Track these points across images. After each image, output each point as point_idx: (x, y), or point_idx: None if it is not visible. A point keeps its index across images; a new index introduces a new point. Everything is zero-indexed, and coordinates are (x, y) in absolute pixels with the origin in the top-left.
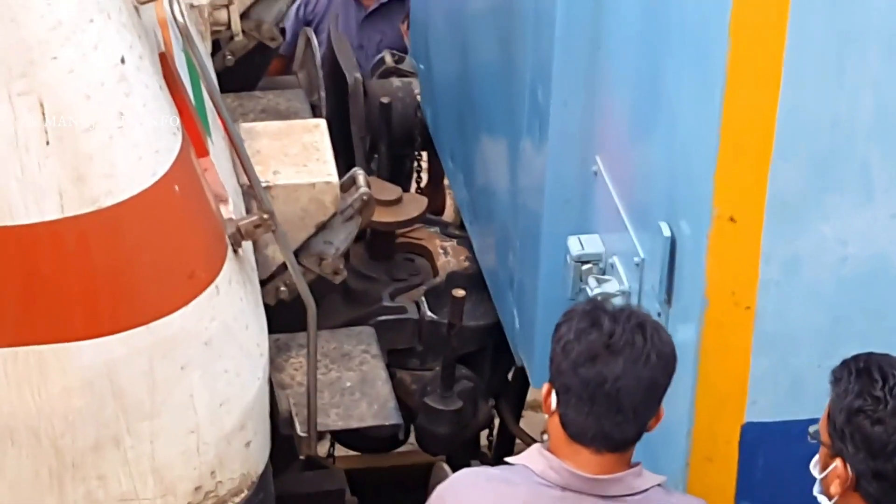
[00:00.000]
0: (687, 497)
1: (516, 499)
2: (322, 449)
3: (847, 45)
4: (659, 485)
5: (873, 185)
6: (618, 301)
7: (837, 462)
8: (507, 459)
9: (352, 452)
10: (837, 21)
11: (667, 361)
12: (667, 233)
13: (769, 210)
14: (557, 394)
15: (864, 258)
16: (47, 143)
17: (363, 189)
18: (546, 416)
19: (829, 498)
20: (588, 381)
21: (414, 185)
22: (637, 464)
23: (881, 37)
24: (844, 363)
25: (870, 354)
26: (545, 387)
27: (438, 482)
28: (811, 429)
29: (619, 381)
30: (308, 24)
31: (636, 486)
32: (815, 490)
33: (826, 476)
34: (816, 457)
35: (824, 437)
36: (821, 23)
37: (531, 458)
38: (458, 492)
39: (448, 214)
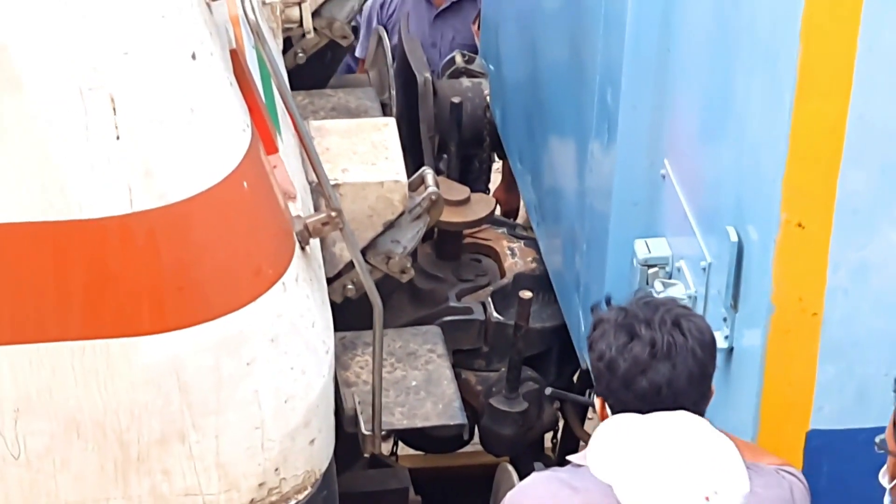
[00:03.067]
0: None
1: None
2: (385, 448)
3: None
4: None
5: None
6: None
7: None
8: (570, 458)
9: (415, 452)
10: None
11: (710, 348)
12: (734, 238)
13: (838, 216)
14: (612, 408)
15: None
16: (117, 137)
17: (432, 188)
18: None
19: None
20: (644, 394)
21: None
22: None
23: None
24: None
25: None
26: (598, 401)
27: (502, 483)
28: (878, 438)
29: (673, 385)
30: (385, 26)
31: None
32: (886, 501)
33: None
34: (885, 466)
35: (892, 446)
36: (892, 28)
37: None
38: (530, 496)
39: (522, 216)
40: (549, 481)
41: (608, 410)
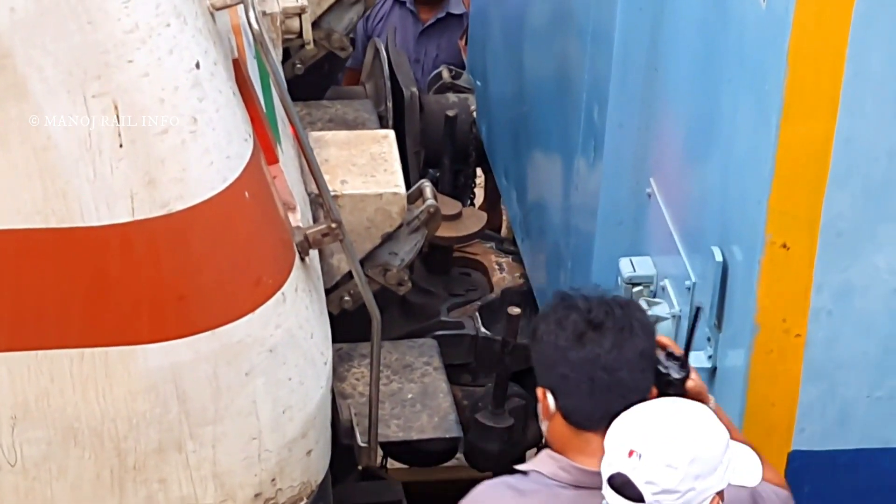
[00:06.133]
0: None
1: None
2: None
3: None
4: None
5: None
6: (667, 324)
7: None
8: (517, 467)
9: (401, 465)
10: (892, 45)
11: (650, 329)
12: (719, 258)
13: (822, 238)
14: (553, 391)
15: None
16: (120, 145)
17: (430, 201)
18: (543, 423)
19: None
20: (582, 361)
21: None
22: None
23: None
24: None
25: None
26: (539, 392)
27: None
28: None
29: (612, 353)
30: (369, 37)
31: None
32: None
33: None
34: None
35: None
36: (879, 52)
37: (541, 463)
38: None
39: (504, 232)
40: (496, 487)
41: (549, 398)
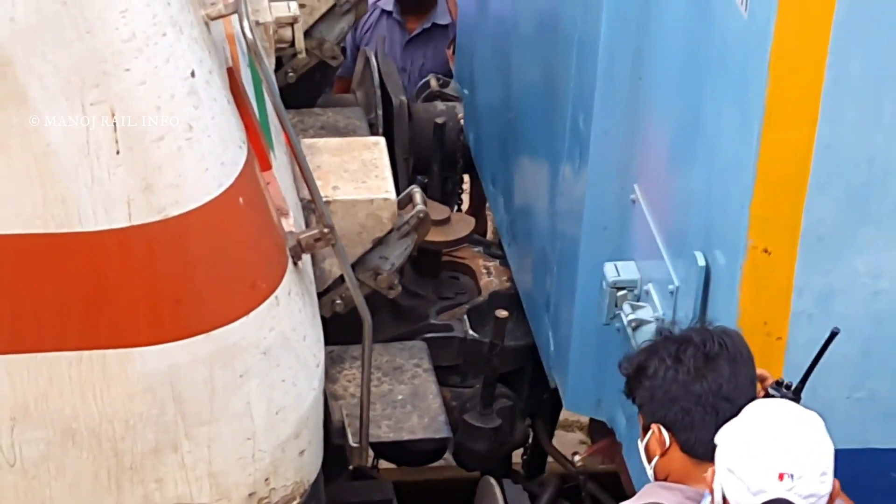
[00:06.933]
0: None
1: None
2: None
3: (885, 82)
4: None
5: None
6: (650, 328)
7: None
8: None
9: (390, 465)
10: (875, 59)
11: (752, 356)
12: (701, 262)
13: (803, 243)
14: (669, 427)
15: None
16: (118, 152)
17: (420, 207)
18: (652, 460)
19: None
20: (706, 393)
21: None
22: None
23: None
24: None
25: None
26: (653, 428)
27: (485, 496)
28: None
29: (731, 382)
30: (359, 47)
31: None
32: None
33: None
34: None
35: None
36: (859, 60)
37: (658, 496)
38: None
39: (489, 236)
40: None
41: (665, 434)
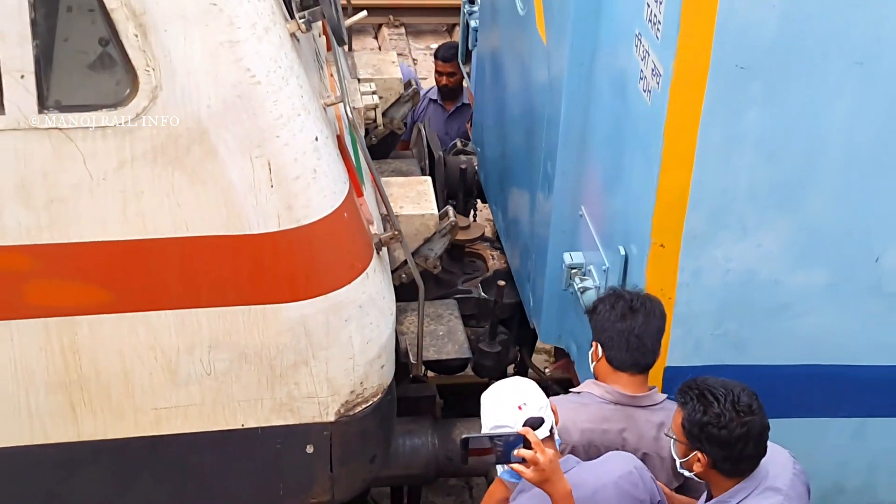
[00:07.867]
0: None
1: (592, 412)
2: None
3: (733, 142)
4: (668, 397)
5: (746, 227)
6: (591, 293)
7: (696, 453)
8: (573, 390)
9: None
10: (727, 129)
11: (664, 315)
12: (622, 252)
13: (684, 240)
14: (602, 345)
15: (740, 271)
16: (272, 186)
17: (452, 218)
18: (592, 363)
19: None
20: (624, 330)
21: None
22: (653, 386)
23: (752, 140)
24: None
25: (703, 379)
26: (594, 345)
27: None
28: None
29: (642, 327)
30: (415, 122)
31: (657, 399)
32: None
33: (686, 460)
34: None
35: (681, 438)
36: (718, 130)
37: (591, 388)
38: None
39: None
40: (566, 399)
41: (599, 349)
